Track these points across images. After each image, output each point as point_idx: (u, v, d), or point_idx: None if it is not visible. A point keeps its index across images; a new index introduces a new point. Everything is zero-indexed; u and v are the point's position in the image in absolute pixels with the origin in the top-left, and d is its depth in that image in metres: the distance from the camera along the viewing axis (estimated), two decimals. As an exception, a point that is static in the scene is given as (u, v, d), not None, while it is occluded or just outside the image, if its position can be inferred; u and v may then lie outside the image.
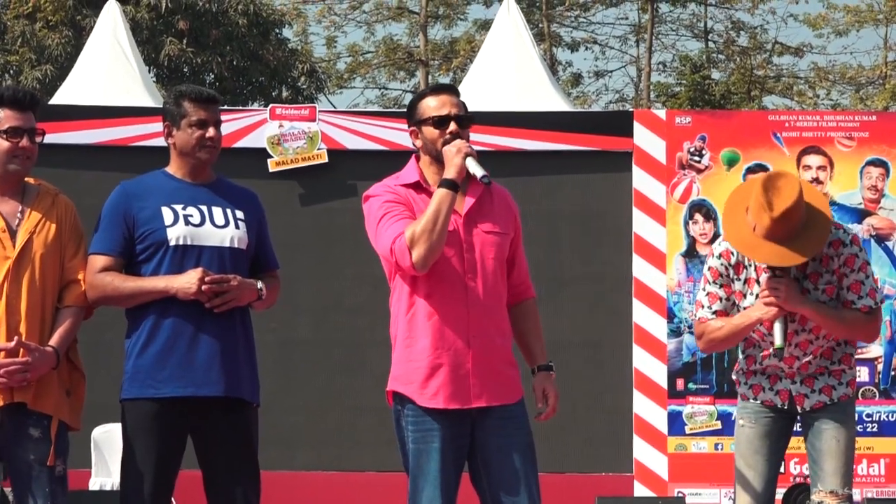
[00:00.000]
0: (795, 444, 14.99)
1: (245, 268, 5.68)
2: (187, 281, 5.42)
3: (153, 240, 5.53)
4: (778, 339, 5.91)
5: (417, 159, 5.68)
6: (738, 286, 6.13)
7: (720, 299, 6.14)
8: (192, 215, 5.56)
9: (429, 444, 5.40)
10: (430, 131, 5.54)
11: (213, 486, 5.61)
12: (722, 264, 6.16)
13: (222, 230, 5.58)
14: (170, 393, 5.45)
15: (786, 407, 6.07)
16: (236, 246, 5.60)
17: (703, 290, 6.24)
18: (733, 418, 6.33)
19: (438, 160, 5.51)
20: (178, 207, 5.56)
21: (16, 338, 5.27)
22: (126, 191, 5.67)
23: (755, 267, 6.09)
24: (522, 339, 5.86)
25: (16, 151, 5.49)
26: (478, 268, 5.48)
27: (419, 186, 5.57)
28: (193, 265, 5.50)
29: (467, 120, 5.57)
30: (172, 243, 5.51)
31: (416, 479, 5.42)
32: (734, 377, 6.31)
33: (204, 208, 5.59)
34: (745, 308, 6.05)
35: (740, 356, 6.26)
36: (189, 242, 5.52)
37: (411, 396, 5.46)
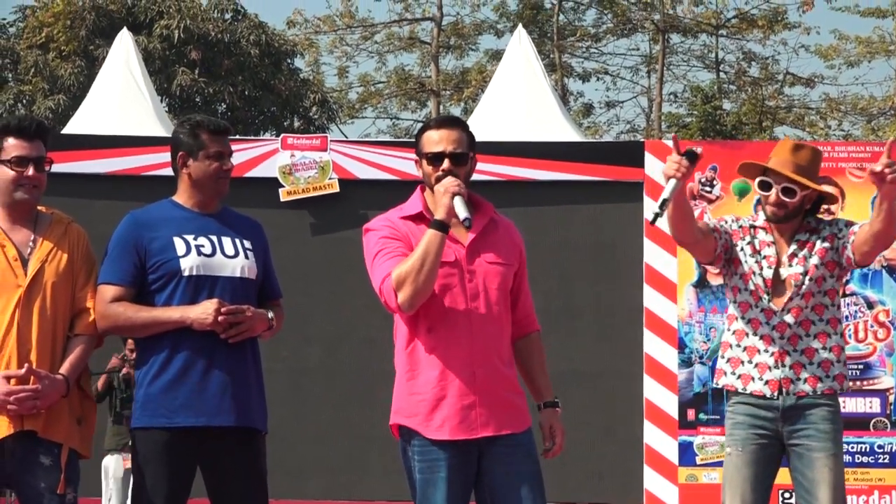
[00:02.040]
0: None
1: (255, 297, 5.68)
2: (203, 311, 5.40)
3: (166, 270, 5.51)
4: (462, 212, 5.59)
5: (423, 189, 5.66)
6: (748, 252, 6.19)
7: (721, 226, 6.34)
8: (203, 245, 5.55)
9: (435, 475, 5.37)
10: (426, 166, 5.55)
11: None
12: (734, 219, 6.31)
13: (233, 260, 5.58)
14: (182, 423, 5.44)
15: (775, 398, 6.03)
16: (246, 276, 5.60)
17: None
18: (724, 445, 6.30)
19: None
20: (190, 238, 5.55)
21: (26, 365, 5.27)
22: (136, 220, 5.64)
23: (760, 243, 6.22)
24: (527, 374, 5.78)
25: (21, 180, 5.46)
26: (480, 297, 5.44)
27: (422, 217, 5.53)
28: (207, 295, 5.49)
29: (463, 157, 5.54)
30: (186, 273, 5.49)
31: None
32: (719, 366, 6.28)
33: (214, 238, 5.58)
34: (739, 273, 6.19)
35: (727, 333, 6.23)
36: (202, 273, 5.51)
37: (416, 429, 5.43)
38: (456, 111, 35.29)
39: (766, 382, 6.05)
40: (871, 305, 14.89)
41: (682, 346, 14.84)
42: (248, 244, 5.67)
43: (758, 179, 6.28)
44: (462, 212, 5.28)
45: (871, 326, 14.85)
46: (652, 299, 14.87)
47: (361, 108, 36.23)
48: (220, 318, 5.41)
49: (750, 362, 6.10)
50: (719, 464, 14.71)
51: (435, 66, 34.57)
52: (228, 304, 5.44)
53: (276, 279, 5.95)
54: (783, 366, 6.04)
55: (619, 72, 36.17)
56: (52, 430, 5.39)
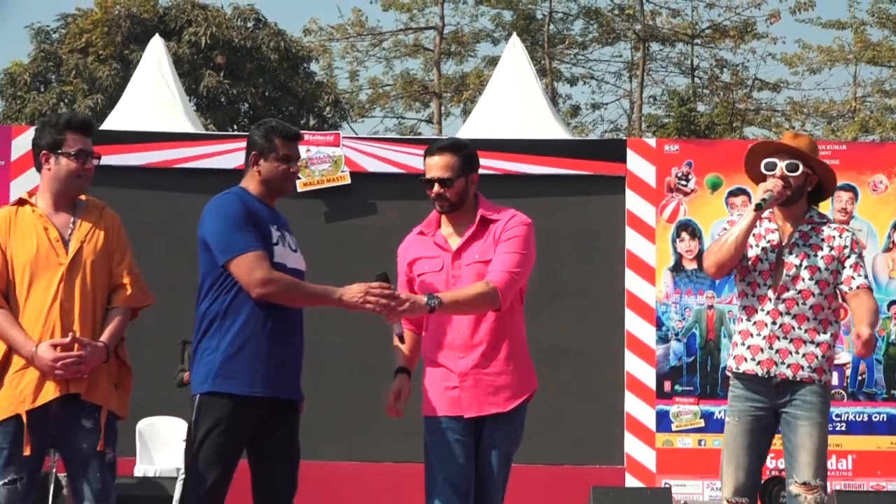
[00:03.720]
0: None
1: None
2: (356, 293, 5.40)
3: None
4: (760, 199, 6.03)
5: None
6: (757, 243, 6.15)
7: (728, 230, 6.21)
8: (280, 237, 5.61)
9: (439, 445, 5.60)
10: (425, 188, 5.80)
11: (262, 474, 5.61)
12: (733, 218, 6.25)
13: (294, 254, 5.66)
14: (250, 392, 5.43)
15: (766, 376, 6.03)
16: (301, 269, 5.69)
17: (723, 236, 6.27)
18: (722, 416, 6.31)
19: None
20: (274, 229, 5.61)
21: (70, 334, 5.29)
22: (243, 201, 5.60)
23: (765, 230, 6.17)
24: None
25: (81, 172, 5.53)
26: None
27: (428, 225, 5.83)
28: None
29: (448, 181, 5.69)
30: (275, 260, 5.53)
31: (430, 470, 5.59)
32: (727, 360, 6.32)
33: (283, 233, 5.64)
34: (758, 270, 6.11)
35: (733, 329, 6.28)
36: (280, 261, 5.54)
37: (423, 408, 5.72)
38: (456, 111, 35.35)
39: (759, 363, 6.06)
40: (830, 288, 14.87)
41: (659, 325, 14.85)
42: (295, 240, 5.74)
43: (764, 161, 6.20)
44: (396, 329, 5.57)
45: (831, 307, 14.83)
46: (632, 282, 14.88)
47: (370, 108, 36.22)
48: (371, 298, 5.38)
49: (743, 344, 6.10)
50: (693, 430, 14.73)
51: (437, 71, 34.54)
52: (379, 291, 5.38)
53: None
54: (771, 349, 6.05)
55: (603, 76, 36.09)
56: (94, 393, 5.41)
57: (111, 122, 16.12)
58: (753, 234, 6.14)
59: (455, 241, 5.68)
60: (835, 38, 32.92)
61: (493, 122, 15.78)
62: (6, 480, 5.32)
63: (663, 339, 14.85)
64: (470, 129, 16.19)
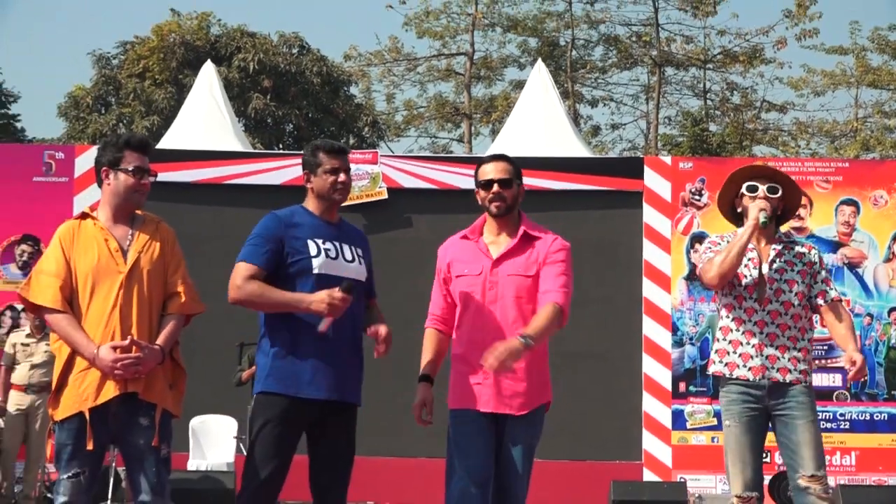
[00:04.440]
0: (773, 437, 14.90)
1: (364, 297, 5.73)
2: (320, 298, 5.39)
3: (301, 267, 5.53)
4: (762, 218, 6.09)
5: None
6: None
7: (721, 252, 6.17)
8: (330, 250, 5.59)
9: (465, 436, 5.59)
10: (481, 192, 5.81)
11: (316, 473, 5.60)
12: (717, 239, 6.28)
13: (351, 264, 5.63)
14: (306, 394, 5.44)
15: (758, 381, 6.04)
16: (360, 279, 5.66)
17: (707, 251, 6.27)
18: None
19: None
20: (320, 242, 5.59)
21: (129, 337, 5.32)
22: (281, 219, 5.65)
23: (753, 249, 6.18)
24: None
25: (138, 187, 5.56)
26: (498, 303, 5.62)
27: (473, 232, 5.80)
28: None
29: (508, 182, 5.83)
30: (316, 272, 5.53)
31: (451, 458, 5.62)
32: (711, 356, 6.29)
33: (337, 244, 5.62)
34: (744, 285, 6.11)
35: (719, 338, 6.21)
36: (327, 272, 5.54)
37: (448, 401, 5.71)
38: (485, 131, 35.33)
39: (750, 369, 6.08)
40: (834, 296, 14.79)
41: (675, 330, 14.80)
42: (359, 251, 5.72)
43: (746, 184, 6.24)
44: (322, 324, 5.48)
45: (835, 314, 14.76)
46: (649, 290, 14.84)
47: (406, 128, 36.26)
48: (335, 302, 5.38)
49: (735, 352, 6.11)
50: (706, 428, 14.67)
51: (468, 94, 34.55)
52: (344, 295, 5.41)
53: (373, 282, 5.98)
54: (762, 355, 6.06)
55: (622, 99, 36.05)
56: (150, 393, 5.42)
57: (166, 142, 16.17)
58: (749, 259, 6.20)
59: (496, 250, 5.69)
60: (837, 63, 32.82)
61: (520, 141, 15.76)
62: (70, 474, 5.35)
63: (678, 343, 14.80)
64: (498, 147, 16.17)
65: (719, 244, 6.26)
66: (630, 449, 14.58)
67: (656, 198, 14.97)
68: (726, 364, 6.14)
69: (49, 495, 12.66)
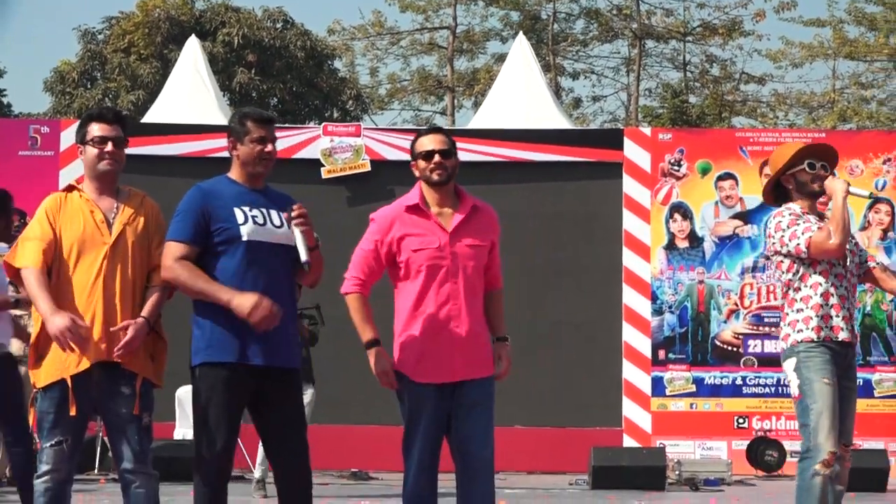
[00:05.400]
0: (756, 403, 14.97)
1: (292, 261, 5.65)
2: (247, 304, 5.28)
3: (228, 235, 5.44)
4: (864, 192, 6.32)
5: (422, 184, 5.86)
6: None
7: (812, 224, 6.16)
8: (257, 216, 5.51)
9: (420, 410, 5.61)
10: (421, 163, 5.77)
11: (271, 438, 5.53)
12: (793, 212, 6.25)
13: (279, 230, 5.54)
14: (247, 361, 5.38)
15: (843, 341, 6.06)
16: (290, 244, 5.58)
17: (798, 227, 6.20)
18: (798, 376, 6.14)
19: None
20: (246, 209, 5.52)
21: (124, 322, 5.31)
22: (202, 190, 5.56)
23: (814, 219, 6.24)
24: (488, 317, 5.86)
25: (103, 155, 5.54)
26: (460, 273, 5.64)
27: (417, 208, 5.73)
28: (262, 259, 5.45)
29: (448, 153, 5.78)
30: (245, 239, 5.47)
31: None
32: (801, 336, 6.18)
33: (264, 211, 5.54)
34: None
35: (821, 304, 6.13)
36: (257, 238, 5.48)
37: (408, 374, 5.65)
38: (467, 104, 35.30)
39: (849, 331, 6.16)
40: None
41: (654, 298, 14.85)
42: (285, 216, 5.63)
43: (807, 161, 6.33)
44: (303, 254, 5.46)
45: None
46: (629, 259, 14.88)
47: (389, 101, 36.21)
48: (263, 313, 5.31)
49: (837, 316, 6.12)
50: (685, 395, 14.75)
51: (450, 67, 34.48)
52: (271, 303, 5.33)
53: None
54: (838, 317, 6.11)
55: (602, 71, 36.08)
56: (131, 362, 5.41)
57: (151, 116, 16.13)
58: (814, 223, 6.20)
59: (447, 222, 5.70)
60: (815, 35, 32.81)
61: (502, 113, 15.76)
62: (53, 442, 5.34)
63: (658, 312, 14.85)
64: (480, 120, 16.18)
65: (800, 216, 6.24)
66: (610, 415, 14.63)
67: (636, 168, 14.99)
68: (831, 328, 6.11)
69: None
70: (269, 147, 5.59)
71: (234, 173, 5.64)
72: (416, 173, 5.80)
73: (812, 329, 6.11)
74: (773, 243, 6.27)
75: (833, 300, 6.13)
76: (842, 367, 6.11)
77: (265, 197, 5.61)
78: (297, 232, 5.49)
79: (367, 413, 14.09)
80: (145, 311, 5.47)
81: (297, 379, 5.57)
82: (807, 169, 6.29)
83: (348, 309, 5.77)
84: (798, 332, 6.14)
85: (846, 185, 6.21)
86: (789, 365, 6.15)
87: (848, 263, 6.22)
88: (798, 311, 6.19)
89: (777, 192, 6.46)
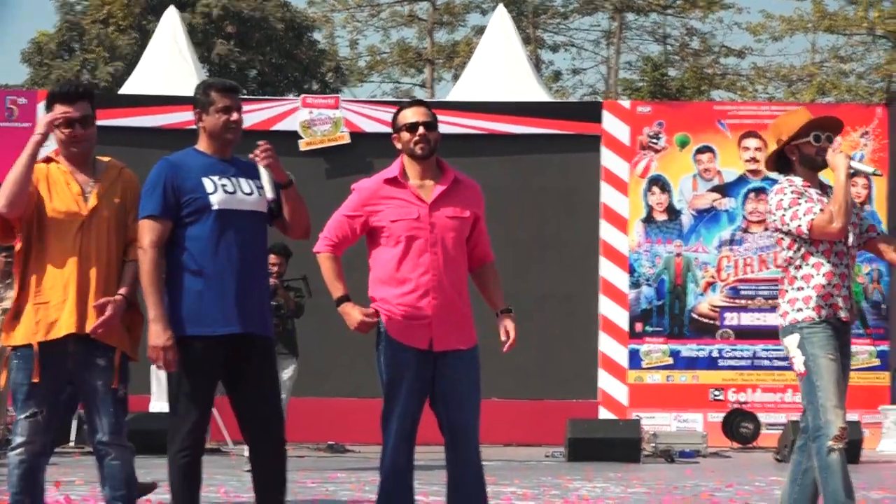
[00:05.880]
0: (732, 376, 15.04)
1: (266, 228, 5.64)
2: (154, 339, 5.28)
3: (198, 205, 5.41)
4: (869, 169, 6.23)
5: (403, 158, 5.82)
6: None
7: (814, 203, 6.10)
8: (226, 185, 5.49)
9: (401, 375, 5.62)
10: (404, 134, 5.72)
11: (243, 408, 5.54)
12: (795, 189, 6.17)
13: (249, 197, 5.53)
14: (216, 331, 5.39)
15: (849, 319, 6.04)
16: (261, 210, 5.58)
17: (800, 207, 6.06)
18: (802, 353, 6.11)
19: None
20: (215, 178, 5.51)
21: (103, 300, 5.30)
22: (169, 163, 5.53)
23: (816, 195, 6.10)
24: (485, 291, 5.90)
25: (65, 138, 5.49)
26: (439, 244, 5.64)
27: (396, 180, 5.72)
28: (233, 228, 5.45)
29: (432, 125, 5.76)
30: (215, 208, 5.47)
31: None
32: (802, 315, 6.11)
33: (234, 179, 5.53)
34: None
35: (823, 283, 6.08)
36: (227, 207, 5.48)
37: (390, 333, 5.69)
38: (447, 76, 35.24)
39: (849, 310, 6.08)
40: (788, 238, 14.91)
41: (631, 271, 14.89)
42: (256, 183, 5.62)
43: (813, 133, 6.18)
44: (268, 190, 5.51)
45: (788, 255, 14.88)
46: (607, 232, 14.91)
47: (369, 74, 36.13)
48: (157, 357, 5.30)
49: (838, 294, 6.05)
50: (662, 367, 14.81)
51: (430, 39, 34.43)
52: (172, 357, 5.30)
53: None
54: (839, 295, 6.05)
55: (583, 44, 36.00)
56: (108, 336, 5.40)
57: (129, 87, 16.07)
58: (816, 201, 6.14)
59: (426, 194, 5.69)
60: (795, 9, 32.92)
61: (482, 85, 15.75)
62: (27, 414, 5.31)
63: (635, 285, 14.89)
64: (460, 92, 16.17)
65: (803, 192, 6.15)
66: (586, 388, 14.69)
67: (614, 141, 15.01)
68: (830, 306, 6.08)
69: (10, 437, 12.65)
70: (235, 115, 5.57)
71: (202, 145, 5.61)
72: (399, 146, 5.76)
73: (812, 309, 6.05)
74: (774, 220, 6.19)
75: (835, 279, 6.07)
76: (841, 343, 6.08)
77: (234, 166, 5.60)
78: (261, 169, 5.48)
79: (344, 385, 14.12)
80: (123, 289, 5.46)
81: (270, 347, 5.57)
82: (812, 142, 6.19)
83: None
84: (798, 311, 6.10)
85: (848, 161, 6.08)
86: (792, 341, 6.09)
87: (850, 240, 6.12)
88: (798, 289, 6.13)
89: (780, 162, 6.36)
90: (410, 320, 5.60)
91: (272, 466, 5.48)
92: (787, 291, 6.16)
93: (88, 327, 5.36)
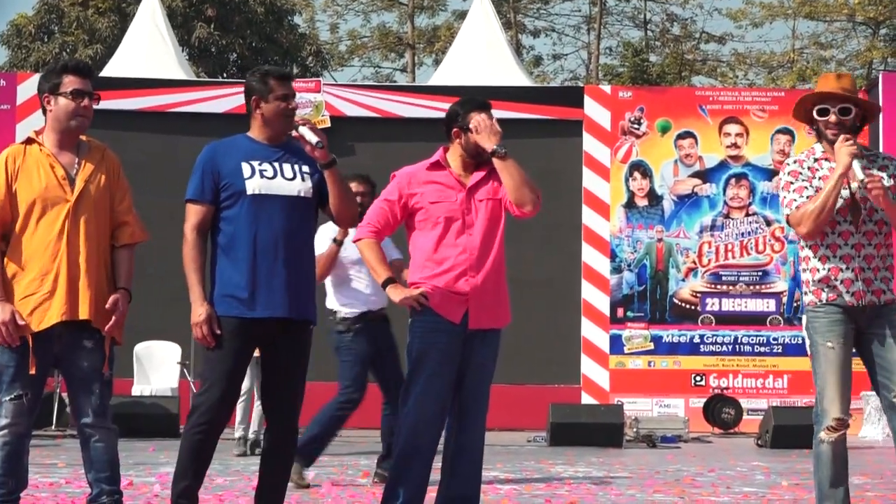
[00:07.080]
0: (713, 361, 15.07)
1: (310, 213, 5.67)
2: (196, 317, 5.42)
3: (233, 190, 5.50)
4: (859, 174, 5.68)
5: (445, 150, 5.98)
6: (816, 183, 5.93)
7: (807, 188, 5.92)
8: (266, 170, 5.54)
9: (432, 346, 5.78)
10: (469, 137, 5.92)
11: (267, 387, 5.61)
12: (797, 167, 5.99)
13: (291, 182, 5.57)
14: (254, 314, 5.44)
15: (860, 305, 5.83)
16: (303, 195, 5.60)
17: (790, 188, 5.89)
18: (808, 337, 6.01)
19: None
20: (255, 163, 5.55)
21: (112, 297, 5.31)
22: (214, 148, 5.65)
23: (827, 168, 5.87)
24: None
25: (78, 111, 5.49)
26: (475, 226, 5.86)
27: (438, 164, 5.94)
28: (268, 212, 5.49)
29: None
30: (249, 192, 5.52)
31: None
32: (806, 300, 5.99)
33: (276, 164, 5.57)
34: (836, 209, 5.80)
35: (818, 268, 5.91)
36: (264, 192, 5.53)
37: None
38: (428, 61, 35.23)
39: (853, 294, 5.87)
40: (769, 223, 14.96)
41: (613, 256, 14.91)
42: (306, 169, 5.64)
43: (816, 108, 5.93)
44: (312, 138, 5.54)
45: (769, 240, 14.92)
46: (589, 217, 14.93)
47: (349, 58, 36.11)
48: (197, 334, 5.39)
49: (836, 279, 5.86)
50: (643, 353, 14.84)
51: (411, 24, 34.39)
52: (208, 332, 5.41)
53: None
54: (860, 279, 5.84)
55: (563, 29, 36.10)
56: (97, 319, 5.40)
57: (109, 70, 16.00)
58: (821, 178, 5.94)
59: (466, 179, 5.91)
60: (775, -5, 32.90)
61: (462, 70, 15.74)
62: (12, 396, 5.30)
63: (617, 270, 14.91)
64: (441, 77, 16.14)
65: (800, 173, 5.88)
66: (568, 373, 14.72)
67: (596, 126, 15.01)
68: (833, 289, 5.90)
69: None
70: (294, 103, 5.65)
71: (255, 132, 5.68)
72: (457, 140, 5.93)
73: (812, 293, 5.97)
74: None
75: (832, 263, 5.87)
76: (864, 321, 5.87)
77: (283, 150, 5.64)
78: (300, 129, 5.55)
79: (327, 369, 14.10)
80: (122, 281, 5.51)
81: (308, 331, 5.60)
82: (816, 115, 5.97)
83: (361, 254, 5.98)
84: (805, 294, 6.02)
85: (850, 159, 5.75)
86: (804, 322, 6.06)
87: (862, 218, 5.86)
88: (803, 270, 5.99)
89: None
90: (448, 294, 5.76)
91: (283, 454, 5.60)
92: (803, 273, 6.03)
93: (81, 313, 5.35)
